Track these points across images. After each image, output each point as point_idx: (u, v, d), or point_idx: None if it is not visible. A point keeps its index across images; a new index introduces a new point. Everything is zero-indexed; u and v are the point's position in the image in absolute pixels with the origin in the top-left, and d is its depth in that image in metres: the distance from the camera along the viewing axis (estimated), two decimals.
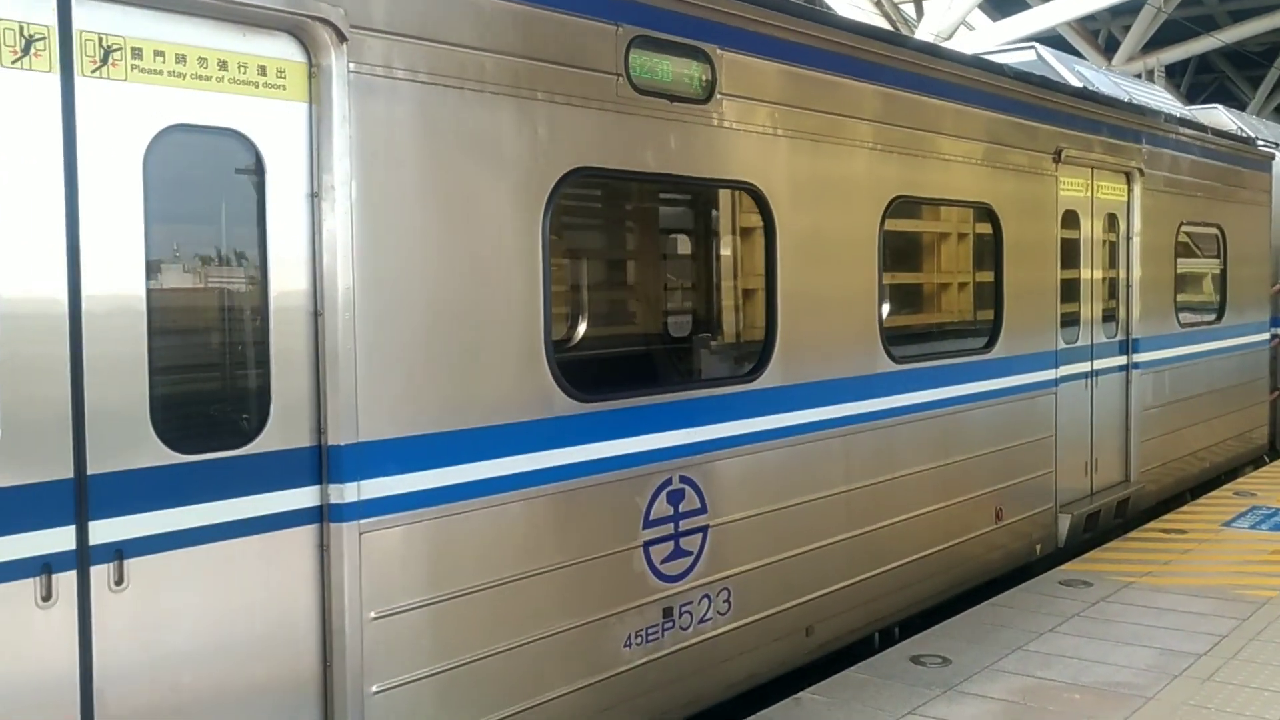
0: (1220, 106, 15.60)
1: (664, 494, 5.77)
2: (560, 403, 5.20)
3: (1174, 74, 36.04)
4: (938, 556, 7.84)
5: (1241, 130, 14.35)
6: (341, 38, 4.30)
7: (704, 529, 6.00)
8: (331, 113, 4.30)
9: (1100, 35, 34.25)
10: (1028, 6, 29.45)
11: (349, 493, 4.39)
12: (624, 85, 5.47)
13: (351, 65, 4.35)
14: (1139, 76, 29.24)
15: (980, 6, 29.62)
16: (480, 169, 4.83)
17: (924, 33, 26.39)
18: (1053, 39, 28.73)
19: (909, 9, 35.76)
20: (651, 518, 5.70)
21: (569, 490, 5.27)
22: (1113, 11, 32.23)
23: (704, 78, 5.91)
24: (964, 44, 22.63)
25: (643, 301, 7.55)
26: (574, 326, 6.91)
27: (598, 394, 5.41)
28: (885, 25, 29.54)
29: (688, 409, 5.90)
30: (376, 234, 4.44)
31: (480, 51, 4.81)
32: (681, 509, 5.87)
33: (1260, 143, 14.18)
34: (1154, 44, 30.89)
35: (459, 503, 4.77)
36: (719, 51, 5.97)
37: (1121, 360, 10.45)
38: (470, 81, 4.77)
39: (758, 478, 6.36)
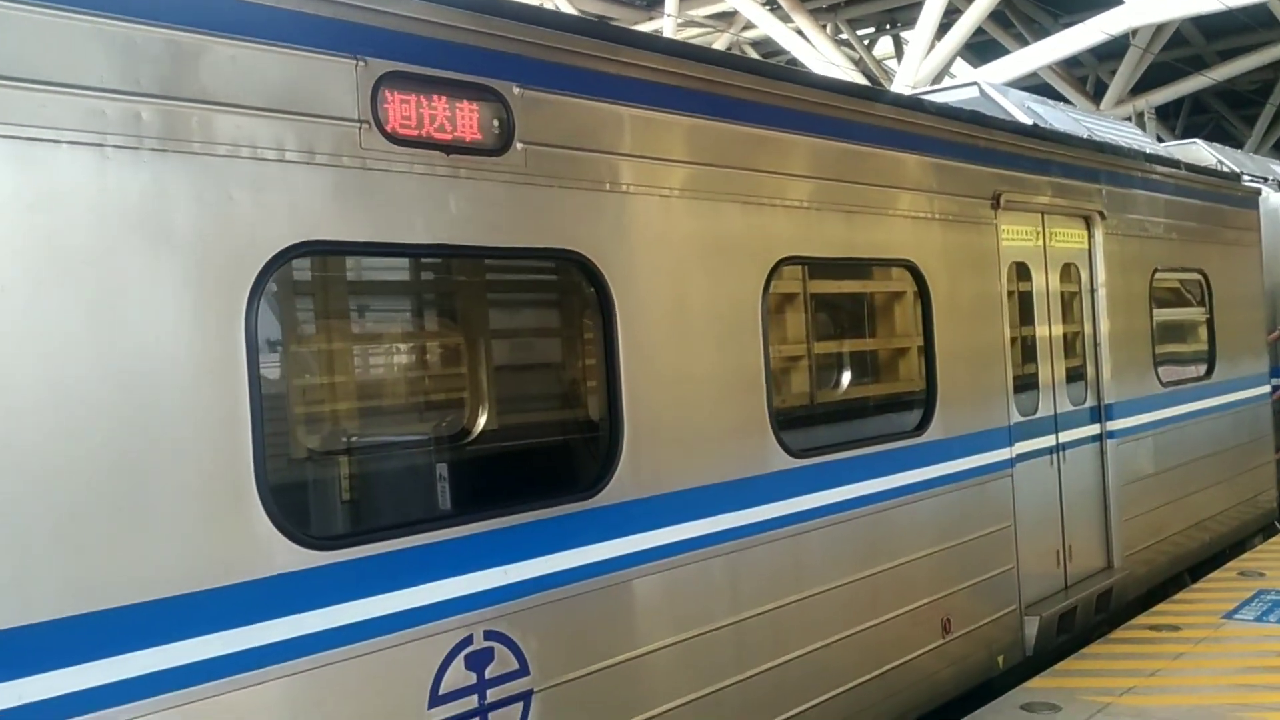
0: (1200, 141, 14.38)
1: (461, 658, 4.45)
2: (283, 554, 3.91)
3: (1166, 115, 35.20)
4: (867, 687, 6.47)
5: (1223, 165, 13.11)
6: None
7: (525, 696, 4.67)
8: None
9: (1088, 81, 33.48)
10: (1009, 52, 28.58)
11: None
12: (372, 135, 4.25)
13: None
14: (1128, 119, 28.27)
15: (962, 55, 28.86)
16: (130, 251, 3.59)
17: (902, 84, 25.46)
18: (1040, 87, 27.84)
19: (892, 63, 35.07)
20: (443, 691, 4.38)
21: (310, 669, 3.97)
22: (1099, 56, 31.47)
23: (495, 122, 4.70)
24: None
25: (437, 401, 6.24)
26: (316, 441, 5.59)
27: (341, 536, 4.14)
28: (863, 80, 28.66)
29: (491, 542, 4.60)
30: None
31: (127, 97, 3.60)
32: (489, 675, 4.55)
33: (1246, 177, 12.94)
34: (1142, 86, 30.02)
35: (115, 708, 3.47)
36: (516, 90, 4.76)
37: (1094, 429, 9.10)
38: (114, 135, 3.56)
39: (605, 620, 5.05)
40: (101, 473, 3.47)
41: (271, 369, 4.61)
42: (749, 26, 30.05)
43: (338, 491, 5.37)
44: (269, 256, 3.91)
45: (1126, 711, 6.77)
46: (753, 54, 32.15)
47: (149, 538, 3.57)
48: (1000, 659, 7.67)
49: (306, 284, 5.31)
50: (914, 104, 7.57)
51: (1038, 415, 8.38)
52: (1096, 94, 31.60)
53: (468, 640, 4.47)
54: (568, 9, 26.78)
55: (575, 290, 5.49)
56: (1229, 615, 8.76)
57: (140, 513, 3.55)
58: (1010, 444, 7.89)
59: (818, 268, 6.65)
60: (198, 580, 3.67)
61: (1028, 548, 8.00)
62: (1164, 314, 10.38)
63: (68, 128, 3.45)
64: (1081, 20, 24.44)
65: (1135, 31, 27.16)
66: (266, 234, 3.92)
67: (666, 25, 28.84)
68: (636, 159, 5.30)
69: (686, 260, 5.53)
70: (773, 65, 8.02)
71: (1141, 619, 8.87)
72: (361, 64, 4.24)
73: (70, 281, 3.44)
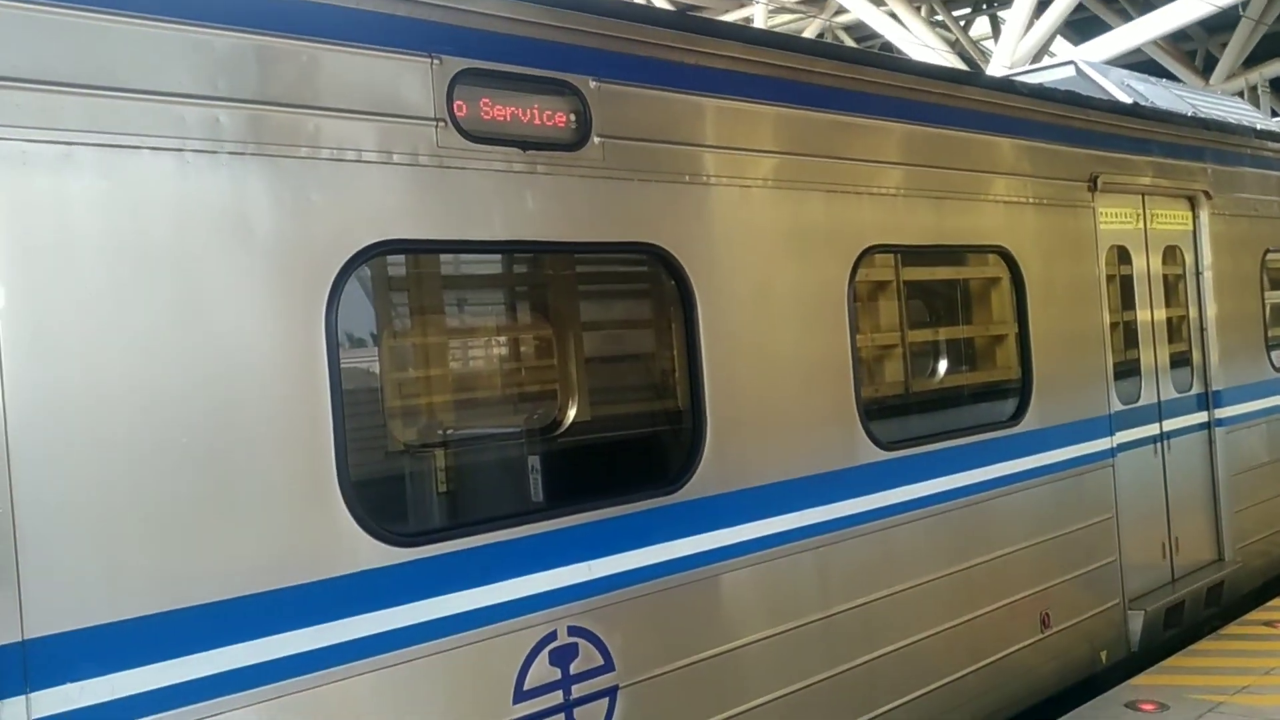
0: None
1: (545, 653, 4.46)
2: (367, 551, 3.95)
3: None
4: (962, 683, 6.33)
5: None
6: None
7: (611, 692, 4.66)
8: None
9: (1197, 56, 32.30)
10: (1111, 29, 27.76)
11: (12, 711, 3.20)
12: (448, 133, 4.27)
13: None
14: (1239, 95, 27.22)
15: (1061, 33, 28.07)
16: (213, 255, 3.65)
17: (999, 64, 24.89)
18: (1146, 63, 26.97)
19: (990, 44, 34.28)
20: (527, 687, 4.38)
21: (396, 664, 4.00)
22: (1208, 29, 30.36)
23: (572, 117, 4.69)
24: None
25: (511, 395, 6.26)
26: (394, 436, 5.61)
27: (424, 533, 4.17)
28: (959, 62, 28.10)
29: (575, 537, 4.59)
30: (39, 353, 3.30)
31: (208, 102, 3.66)
32: (574, 670, 4.54)
33: None
34: (1255, 59, 28.96)
35: (203, 703, 3.54)
36: (593, 84, 4.74)
37: (1201, 417, 8.78)
38: (194, 140, 3.62)
39: (691, 616, 5.01)
40: (186, 471, 3.54)
41: (355, 365, 4.66)
42: (841, 11, 29.58)
43: (419, 488, 5.42)
44: (348, 256, 3.94)
45: (1239, 711, 6.52)
46: (846, 39, 31.74)
47: (234, 535, 3.63)
48: (1103, 654, 7.45)
49: (392, 280, 5.37)
50: (1005, 86, 7.37)
51: (1140, 403, 8.11)
52: (1206, 69, 30.55)
53: (552, 636, 4.47)
54: (659, 0, 26.78)
55: (657, 283, 5.45)
56: None
57: (225, 510, 3.62)
58: (1111, 433, 7.65)
59: (906, 255, 6.51)
60: (282, 577, 3.72)
61: (1131, 539, 7.75)
62: (1277, 296, 9.95)
63: (149, 133, 3.52)
64: None
65: (1246, 2, 26.19)
66: (345, 234, 3.95)
67: (757, 12, 28.62)
68: (716, 150, 5.24)
69: (769, 250, 5.46)
70: (854, 50, 7.89)
71: (1256, 614, 8.53)
72: (436, 62, 4.25)
73: (153, 283, 3.51)
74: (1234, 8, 25.00)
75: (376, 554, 3.96)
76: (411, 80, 4.19)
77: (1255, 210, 9.60)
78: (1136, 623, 7.65)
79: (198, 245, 3.61)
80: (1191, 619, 8.21)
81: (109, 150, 3.45)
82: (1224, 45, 29.45)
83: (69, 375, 3.34)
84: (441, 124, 4.25)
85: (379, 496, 4.57)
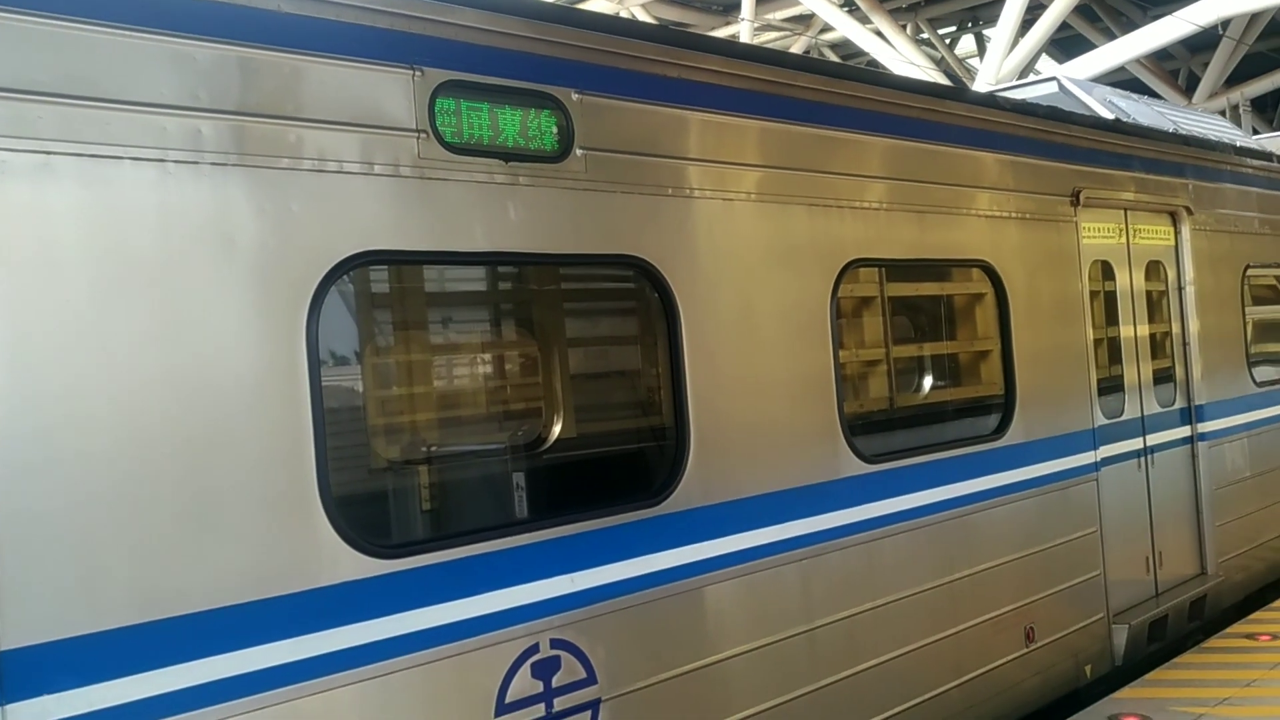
0: None
1: (528, 666, 4.44)
2: (348, 563, 3.93)
3: (1264, 107, 34.11)
4: (947, 696, 6.32)
5: None
6: None
7: (593, 705, 4.64)
8: None
9: (1180, 75, 32.58)
10: (1095, 47, 27.95)
11: None
12: (430, 144, 4.27)
13: None
14: (1222, 113, 27.43)
15: (1047, 51, 28.27)
16: (192, 264, 3.64)
17: (983, 82, 25.03)
18: (1130, 82, 27.16)
19: (975, 62, 34.48)
20: (509, 700, 4.37)
21: (377, 676, 3.98)
22: (1190, 48, 30.62)
23: (555, 129, 4.70)
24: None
25: (496, 411, 6.25)
26: (376, 452, 5.60)
27: (406, 544, 4.15)
28: (944, 80, 28.24)
29: (557, 550, 4.58)
30: (18, 363, 3.28)
31: (190, 113, 3.66)
32: (556, 683, 4.53)
33: None
34: (1237, 78, 29.22)
35: (181, 715, 3.51)
36: (575, 96, 4.75)
37: (1184, 431, 8.81)
38: (176, 151, 3.62)
39: (673, 628, 5.00)
40: (165, 482, 3.52)
41: (337, 380, 4.66)
42: (827, 29, 29.76)
43: (403, 504, 5.40)
44: (329, 267, 3.94)
45: None
46: (831, 56, 31.88)
47: (214, 546, 3.61)
48: (1088, 668, 7.46)
49: (374, 295, 5.36)
50: (988, 101, 7.42)
51: (1124, 418, 8.14)
52: (1189, 87, 30.80)
53: (534, 649, 4.45)
54: (644, 17, 26.86)
55: (641, 297, 5.46)
56: None
57: (205, 521, 3.60)
58: (1095, 447, 7.67)
59: (890, 269, 6.54)
60: (262, 588, 3.71)
61: (1115, 554, 7.77)
62: (1258, 312, 10.02)
63: (130, 144, 3.52)
64: (1170, 12, 23.81)
65: (1227, 22, 26.40)
66: (326, 245, 3.95)
67: (743, 29, 28.74)
68: (699, 163, 5.26)
69: (752, 264, 5.47)
70: (837, 64, 7.95)
71: (1237, 627, 8.55)
72: (418, 74, 4.26)
73: (134, 294, 3.50)
74: (1215, 28, 25.21)
75: (358, 566, 3.95)
76: (393, 92, 4.19)
77: (1236, 226, 9.66)
78: (1120, 637, 7.66)
79: (179, 256, 3.60)
80: (1175, 633, 8.22)
81: (89, 160, 3.44)
82: (1206, 64, 29.71)
83: (49, 386, 3.32)
84: (423, 135, 4.25)
85: (361, 511, 4.55)
